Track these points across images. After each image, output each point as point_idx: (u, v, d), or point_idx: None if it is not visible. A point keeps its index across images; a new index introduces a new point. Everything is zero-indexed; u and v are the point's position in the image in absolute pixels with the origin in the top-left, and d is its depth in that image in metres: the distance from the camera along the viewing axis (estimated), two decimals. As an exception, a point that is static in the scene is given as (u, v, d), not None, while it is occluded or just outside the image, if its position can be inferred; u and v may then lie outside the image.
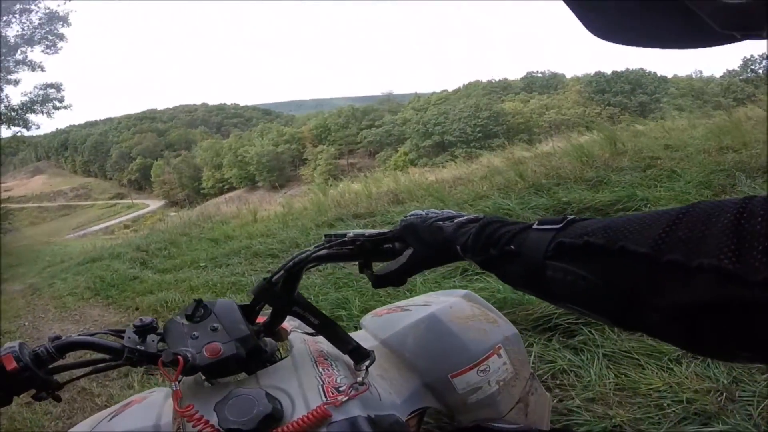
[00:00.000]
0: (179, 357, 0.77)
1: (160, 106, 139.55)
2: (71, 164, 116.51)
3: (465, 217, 0.80)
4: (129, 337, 0.87)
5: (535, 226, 0.63)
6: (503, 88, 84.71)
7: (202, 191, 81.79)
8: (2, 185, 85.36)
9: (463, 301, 1.11)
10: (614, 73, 72.56)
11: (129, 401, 1.04)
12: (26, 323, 8.06)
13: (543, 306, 2.90)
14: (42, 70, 19.75)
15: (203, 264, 7.93)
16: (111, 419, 0.96)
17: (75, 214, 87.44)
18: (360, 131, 78.51)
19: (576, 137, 9.13)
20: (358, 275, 4.52)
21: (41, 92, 19.91)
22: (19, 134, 20.70)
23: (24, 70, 19.40)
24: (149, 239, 11.86)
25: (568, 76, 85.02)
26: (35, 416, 3.67)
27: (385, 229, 0.93)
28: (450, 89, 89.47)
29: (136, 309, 6.51)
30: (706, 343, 0.46)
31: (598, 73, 74.44)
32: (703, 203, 0.47)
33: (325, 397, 0.76)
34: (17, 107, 19.74)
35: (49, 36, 18.92)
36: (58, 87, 20.39)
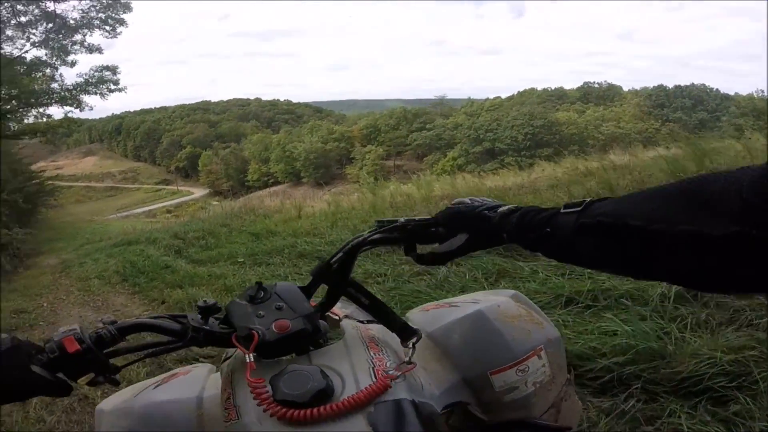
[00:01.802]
0: (254, 332, 0.82)
1: (215, 99, 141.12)
2: (123, 148, 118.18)
3: (506, 207, 0.89)
4: (193, 319, 0.90)
5: (562, 211, 0.75)
6: (558, 97, 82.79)
7: (246, 183, 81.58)
8: (54, 163, 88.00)
9: (511, 300, 1.10)
10: (676, 87, 70.41)
11: (173, 373, 1.06)
12: (45, 304, 7.76)
13: (690, 364, 2.44)
14: (100, 52, 19.83)
15: (241, 260, 7.30)
16: (155, 388, 0.99)
17: (121, 196, 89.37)
18: (410, 133, 77.37)
19: (642, 152, 9.43)
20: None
21: (96, 74, 20.01)
22: (70, 114, 20.77)
23: (81, 52, 19.51)
24: (188, 227, 11.53)
25: (625, 88, 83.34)
26: (26, 425, 3.35)
27: (428, 216, 0.99)
28: (504, 96, 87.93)
29: (162, 303, 6.11)
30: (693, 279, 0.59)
31: (658, 87, 72.44)
32: (702, 176, 0.57)
33: (375, 378, 0.79)
34: (71, 87, 19.89)
35: (109, 20, 18.99)
36: (114, 70, 20.47)
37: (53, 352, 0.76)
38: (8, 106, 19.63)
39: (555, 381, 1.01)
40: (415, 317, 1.11)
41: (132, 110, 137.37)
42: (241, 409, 0.78)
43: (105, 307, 6.81)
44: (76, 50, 19.32)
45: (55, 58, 19.14)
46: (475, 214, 0.92)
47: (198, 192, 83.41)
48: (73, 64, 19.63)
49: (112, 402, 0.99)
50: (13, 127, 20.95)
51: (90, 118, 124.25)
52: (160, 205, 71.58)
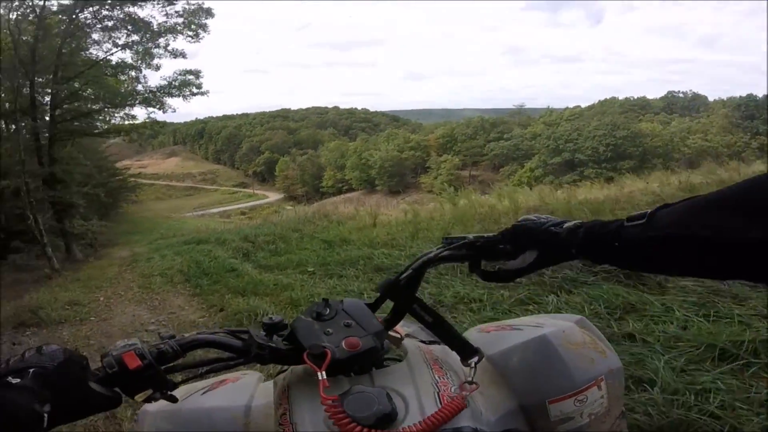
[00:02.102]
0: (327, 350, 0.80)
1: (294, 107, 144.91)
2: (204, 151, 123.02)
3: (572, 223, 0.89)
4: (257, 335, 0.89)
5: (626, 224, 0.77)
6: (641, 106, 79.51)
7: (320, 189, 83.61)
8: (138, 162, 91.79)
9: (576, 326, 1.05)
10: (768, 97, 64.15)
11: (222, 379, 1.05)
12: (102, 298, 7.66)
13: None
14: (183, 57, 20.09)
15: (311, 269, 6.75)
16: (203, 394, 0.98)
17: (199, 196, 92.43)
18: (487, 143, 76.22)
19: (741, 166, 9.16)
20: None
21: (180, 77, 20.23)
22: (153, 114, 21.14)
23: (166, 56, 19.82)
24: (259, 230, 11.31)
25: (710, 98, 79.67)
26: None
27: (494, 233, 0.99)
28: (584, 105, 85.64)
29: (221, 310, 5.78)
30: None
31: (748, 96, 67.00)
32: (760, 179, 0.62)
33: (440, 403, 0.78)
34: (155, 89, 20.26)
35: (192, 25, 19.18)
36: (196, 74, 20.61)
37: (112, 367, 0.73)
38: (95, 106, 20.28)
39: (610, 414, 0.95)
40: (473, 338, 1.04)
41: (215, 116, 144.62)
42: (299, 426, 0.77)
43: (161, 307, 6.50)
44: (160, 54, 19.64)
45: (139, 62, 19.57)
46: (543, 230, 0.91)
47: (273, 196, 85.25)
48: (157, 67, 20.01)
49: (157, 404, 0.91)
50: (100, 126, 21.60)
51: (175, 121, 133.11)
52: (236, 206, 73.84)
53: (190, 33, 19.24)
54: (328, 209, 13.42)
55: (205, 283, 7.17)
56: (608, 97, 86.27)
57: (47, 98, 18.08)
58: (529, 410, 0.91)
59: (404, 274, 0.97)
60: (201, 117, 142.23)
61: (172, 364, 0.81)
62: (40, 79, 17.19)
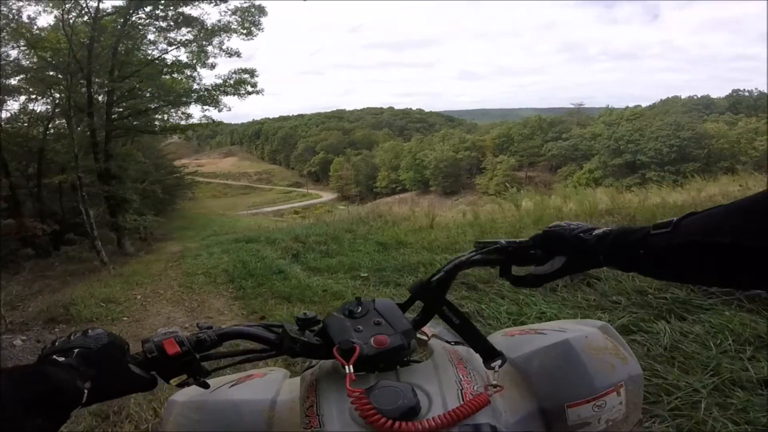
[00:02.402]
0: (356, 345, 0.83)
1: (349, 107, 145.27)
2: (260, 151, 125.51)
3: (601, 230, 0.92)
4: (290, 329, 0.91)
5: (652, 232, 0.78)
6: (705, 106, 75.81)
7: (374, 189, 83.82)
8: (196, 161, 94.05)
9: (599, 332, 1.06)
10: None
11: (249, 374, 1.09)
12: (139, 296, 7.48)
13: None
14: (238, 56, 20.19)
15: (364, 274, 6.21)
16: (231, 387, 1.01)
17: (254, 195, 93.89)
18: (545, 143, 74.38)
19: None
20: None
21: (235, 76, 20.28)
22: (208, 113, 21.28)
23: (221, 55, 19.88)
24: (311, 229, 10.93)
25: None
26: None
27: (526, 239, 1.01)
28: (644, 105, 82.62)
29: (262, 318, 5.42)
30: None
31: None
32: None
33: (463, 400, 0.78)
34: (210, 87, 20.32)
35: (245, 23, 19.25)
36: (251, 72, 20.55)
37: (151, 352, 0.78)
38: (151, 105, 20.46)
39: (627, 420, 0.97)
40: (497, 341, 1.03)
41: (271, 117, 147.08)
42: (325, 417, 0.78)
43: (199, 309, 6.23)
44: (215, 54, 19.72)
45: (194, 60, 19.71)
46: (573, 236, 0.93)
47: (326, 196, 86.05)
48: (212, 66, 20.06)
49: (185, 394, 0.99)
50: (157, 124, 21.72)
51: (232, 122, 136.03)
52: (289, 205, 74.73)
53: (244, 31, 19.25)
54: (382, 209, 13.12)
55: (249, 285, 6.77)
56: (670, 96, 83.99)
57: (103, 97, 18.43)
58: (548, 413, 0.91)
59: (436, 276, 0.98)
60: (258, 118, 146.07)
61: (208, 352, 0.85)
62: (97, 78, 17.48)
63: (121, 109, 19.55)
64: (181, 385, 0.83)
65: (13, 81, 17.93)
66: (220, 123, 23.02)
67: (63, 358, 0.70)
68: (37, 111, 19.02)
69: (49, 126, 19.15)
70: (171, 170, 38.29)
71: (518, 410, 0.90)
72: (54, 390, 0.65)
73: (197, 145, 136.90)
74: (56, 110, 17.44)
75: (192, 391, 0.98)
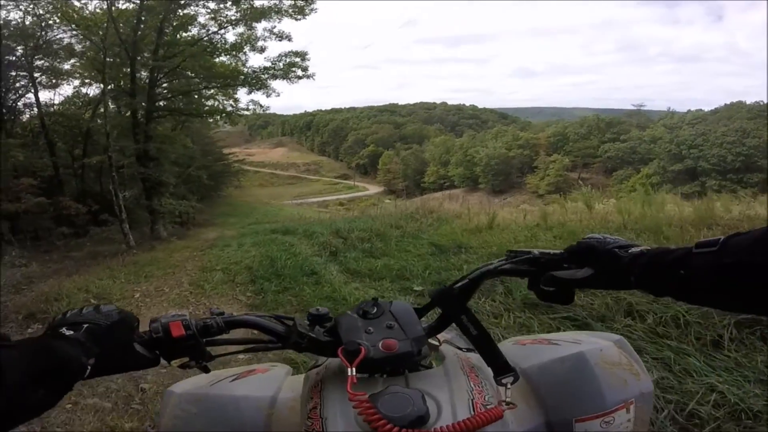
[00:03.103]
0: (362, 347, 0.82)
1: (402, 102, 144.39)
2: (310, 143, 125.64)
3: (638, 249, 0.84)
4: (300, 324, 0.92)
5: (695, 250, 0.70)
6: (772, 112, 71.27)
7: (421, 185, 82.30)
8: (246, 150, 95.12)
9: (614, 346, 1.03)
10: None
11: (251, 369, 1.07)
12: (138, 294, 6.68)
13: None
14: (289, 40, 19.06)
15: (418, 287, 4.98)
16: (232, 381, 0.99)
17: (300, 185, 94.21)
18: (601, 144, 72.11)
19: None
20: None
21: (285, 59, 19.29)
22: (255, 97, 20.46)
23: (271, 39, 18.84)
24: (354, 223, 9.79)
25: None
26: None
27: (560, 250, 0.95)
28: (705, 108, 79.15)
29: None
30: None
31: None
32: None
33: (473, 410, 0.77)
34: (258, 70, 19.41)
35: (297, 3, 18.22)
36: (303, 56, 19.49)
37: (157, 332, 0.80)
38: (195, 86, 19.73)
39: None
40: (508, 349, 1.01)
41: (323, 109, 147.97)
42: (329, 421, 0.76)
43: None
44: (265, 37, 18.69)
45: (243, 42, 18.76)
46: (606, 250, 0.87)
47: (373, 189, 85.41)
48: (262, 50, 19.10)
49: (183, 386, 0.99)
50: (203, 107, 20.92)
51: (284, 113, 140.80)
52: (335, 197, 74.61)
53: (295, 11, 18.14)
54: (432, 205, 11.93)
55: (273, 288, 5.73)
56: (734, 101, 78.68)
57: (146, 75, 17.77)
58: (555, 427, 0.90)
59: (459, 283, 0.96)
60: (310, 110, 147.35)
61: (214, 338, 0.87)
62: (140, 58, 16.89)
63: (165, 90, 18.82)
64: (183, 367, 0.84)
65: (67, 66, 18.13)
66: (268, 109, 21.87)
67: (71, 332, 0.72)
68: (90, 95, 19.41)
69: (98, 108, 18.57)
70: (219, 157, 38.04)
71: (526, 422, 0.88)
72: (59, 365, 0.67)
73: (249, 134, 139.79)
74: (106, 93, 16.97)
75: (191, 383, 0.99)
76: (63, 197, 17.56)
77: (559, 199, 10.81)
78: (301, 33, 18.81)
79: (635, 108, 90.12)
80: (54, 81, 19.64)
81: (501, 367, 0.88)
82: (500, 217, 8.94)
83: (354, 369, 0.78)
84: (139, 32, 16.10)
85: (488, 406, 0.78)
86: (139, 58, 16.72)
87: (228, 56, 19.20)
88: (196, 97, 20.19)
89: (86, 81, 19.44)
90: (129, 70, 16.55)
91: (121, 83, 17.09)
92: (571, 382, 0.92)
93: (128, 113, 17.60)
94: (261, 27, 18.26)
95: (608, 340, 1.04)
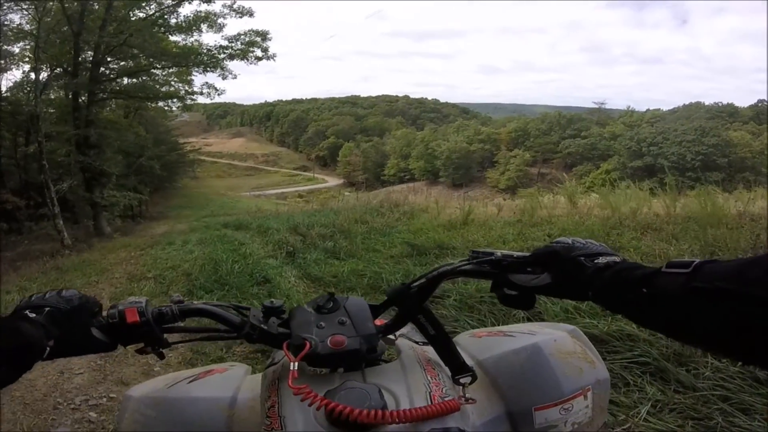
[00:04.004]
0: (307, 342, 0.81)
1: (365, 94, 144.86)
2: (269, 133, 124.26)
3: (605, 260, 0.79)
4: (254, 315, 0.91)
5: (664, 270, 0.65)
6: (729, 114, 72.17)
7: (382, 177, 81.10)
8: (204, 140, 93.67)
9: (568, 336, 1.05)
10: None
11: (209, 369, 1.06)
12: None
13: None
14: (250, 16, 17.83)
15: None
16: (190, 382, 0.99)
17: (259, 176, 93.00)
18: (562, 140, 72.74)
19: None
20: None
21: (243, 37, 18.06)
22: (208, 82, 19.50)
23: (231, 16, 17.53)
24: (314, 218, 8.89)
25: None
26: None
27: (527, 253, 0.92)
28: (664, 109, 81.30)
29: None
30: None
31: None
32: None
33: (431, 402, 0.76)
34: (214, 49, 17.98)
35: None
36: (264, 35, 18.33)
37: (114, 318, 0.81)
38: (147, 66, 17.86)
39: (593, 423, 0.96)
40: (464, 342, 1.07)
41: (284, 99, 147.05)
42: (287, 420, 0.75)
43: (106, 359, 4.00)
44: (224, 14, 17.30)
45: (201, 20, 17.20)
46: (570, 258, 0.82)
47: (333, 181, 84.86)
48: (220, 27, 17.61)
49: (141, 390, 0.99)
50: (152, 91, 19.12)
51: (245, 103, 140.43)
52: (294, 189, 73.66)
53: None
54: (396, 198, 11.23)
55: (212, 300, 4.56)
56: (693, 102, 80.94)
57: (90, 53, 16.14)
58: (515, 416, 0.90)
59: (416, 282, 0.94)
60: (270, 100, 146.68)
61: (170, 325, 0.86)
62: (85, 36, 15.27)
63: (109, 71, 17.21)
64: (139, 352, 0.84)
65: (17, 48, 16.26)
66: (224, 93, 20.57)
67: (34, 315, 0.74)
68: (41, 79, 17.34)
69: (44, 92, 16.70)
70: (173, 147, 36.66)
71: (486, 413, 0.88)
72: (21, 344, 0.69)
73: (207, 124, 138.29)
74: (38, 71, 15.30)
75: (149, 386, 1.00)
76: (2, 190, 16.05)
77: (534, 193, 10.09)
78: (263, 21, 17.61)
79: (596, 106, 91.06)
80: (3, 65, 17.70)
81: (459, 367, 0.89)
82: (484, 213, 8.31)
83: (296, 364, 0.76)
84: (86, 7, 14.70)
85: (446, 398, 0.76)
86: (84, 36, 15.15)
87: (183, 34, 17.72)
88: (145, 78, 18.52)
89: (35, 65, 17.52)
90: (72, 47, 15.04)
91: (65, 64, 15.55)
92: (527, 372, 0.93)
93: (69, 95, 16.07)
94: (220, 3, 17.22)
95: (562, 331, 1.06)
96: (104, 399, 3.36)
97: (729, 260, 0.58)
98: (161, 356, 0.89)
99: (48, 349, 0.72)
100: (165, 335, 0.86)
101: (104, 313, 0.82)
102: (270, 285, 5.00)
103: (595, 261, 0.79)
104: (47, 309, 0.76)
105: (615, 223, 5.88)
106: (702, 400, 2.25)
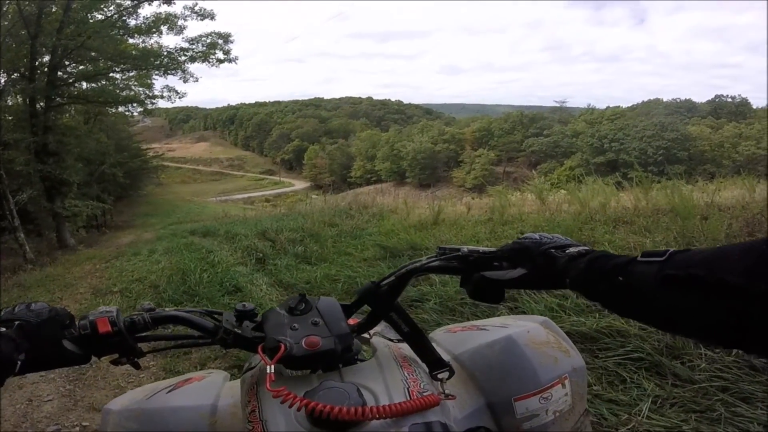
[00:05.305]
0: (282, 344, 0.80)
1: (328, 96, 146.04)
2: (234, 137, 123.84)
3: (576, 249, 0.81)
4: (227, 320, 0.91)
5: (639, 259, 0.66)
6: (687, 109, 75.17)
7: (348, 179, 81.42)
8: (167, 146, 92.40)
9: (540, 327, 1.06)
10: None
11: (187, 378, 1.05)
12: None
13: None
14: (212, 19, 17.49)
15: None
16: (168, 392, 0.98)
17: (225, 181, 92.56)
18: (525, 139, 73.77)
19: None
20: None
21: (205, 39, 17.69)
22: (168, 85, 18.49)
23: (192, 18, 17.16)
24: (283, 222, 8.71)
25: (754, 105, 73.98)
26: None
27: (494, 248, 0.93)
28: (624, 106, 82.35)
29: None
30: None
31: None
32: None
33: (410, 397, 0.77)
34: (174, 51, 17.56)
35: None
36: (226, 37, 18.00)
37: (85, 329, 0.79)
38: (101, 66, 17.34)
39: (574, 411, 0.97)
40: (440, 338, 1.07)
41: (247, 102, 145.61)
42: (269, 423, 0.74)
43: (71, 386, 3.87)
44: (185, 15, 16.92)
45: (161, 22, 16.77)
46: (541, 251, 0.84)
47: (299, 184, 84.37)
48: (181, 29, 17.23)
49: (120, 402, 0.97)
50: (112, 95, 18.39)
51: (207, 107, 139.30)
52: (261, 193, 73.48)
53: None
54: (365, 200, 11.19)
55: None
56: (652, 98, 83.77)
57: (47, 58, 15.64)
58: (496, 408, 0.91)
59: (386, 281, 0.94)
60: (233, 103, 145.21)
61: (143, 334, 0.85)
62: (44, 39, 14.83)
63: (67, 75, 16.72)
64: (114, 363, 0.83)
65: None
66: (185, 96, 19.94)
67: (4, 329, 0.72)
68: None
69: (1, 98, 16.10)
70: (136, 153, 36.05)
71: (466, 406, 0.89)
72: None
73: (170, 129, 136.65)
74: (9, 81, 15.01)
75: (128, 398, 0.98)
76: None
77: (502, 190, 10.13)
78: (223, 23, 17.30)
79: (558, 104, 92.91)
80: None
81: (435, 363, 0.88)
82: (454, 212, 8.36)
83: (272, 367, 0.76)
84: (44, 8, 14.20)
85: (425, 393, 0.77)
86: (42, 38, 14.68)
87: (142, 36, 17.18)
88: (104, 83, 17.99)
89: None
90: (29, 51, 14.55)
91: (22, 69, 15.01)
92: (503, 363, 0.94)
93: (26, 101, 15.47)
94: (181, 5, 16.65)
95: (534, 322, 1.07)
96: (77, 428, 3.22)
97: (702, 249, 0.59)
98: (136, 366, 0.86)
99: (19, 363, 0.70)
100: (139, 344, 0.84)
101: (76, 325, 0.79)
102: (241, 294, 4.92)
103: (567, 251, 0.81)
104: (17, 323, 0.73)
105: (586, 218, 5.86)
106: (701, 393, 2.24)
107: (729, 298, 0.51)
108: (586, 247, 0.81)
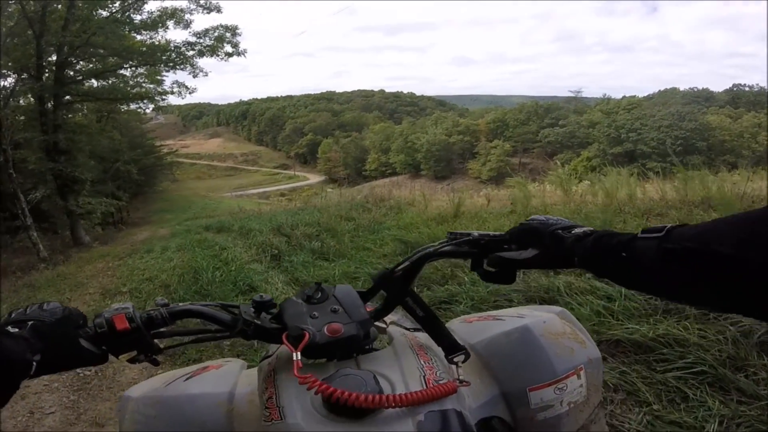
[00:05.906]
0: (306, 332, 0.80)
1: (339, 90, 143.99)
2: (247, 132, 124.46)
3: (581, 230, 0.84)
4: (246, 311, 0.90)
5: (640, 235, 0.69)
6: (705, 98, 73.98)
7: (363, 172, 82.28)
8: (181, 142, 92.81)
9: (557, 317, 1.07)
10: None
11: (205, 366, 1.05)
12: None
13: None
14: (218, 12, 17.24)
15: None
16: (186, 380, 0.98)
17: (239, 176, 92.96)
18: (540, 129, 73.31)
19: None
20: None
21: (212, 33, 17.43)
22: (178, 81, 18.66)
23: (198, 12, 16.98)
24: (298, 217, 8.44)
25: None
26: None
27: (502, 232, 0.95)
28: (640, 95, 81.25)
29: None
30: None
31: None
32: None
33: (426, 386, 0.77)
34: (181, 46, 17.32)
35: None
36: (233, 30, 17.64)
37: (102, 327, 0.77)
38: (110, 62, 17.19)
39: (588, 402, 0.97)
40: (457, 328, 1.06)
41: (259, 97, 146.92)
42: (286, 409, 0.75)
43: (70, 398, 3.66)
44: (191, 9, 16.73)
45: (167, 17, 16.64)
46: (549, 232, 0.86)
47: (314, 178, 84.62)
48: (187, 24, 17.01)
49: (140, 389, 0.98)
50: (122, 92, 18.37)
51: (219, 103, 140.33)
52: (275, 188, 73.69)
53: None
54: (381, 192, 10.97)
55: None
56: (669, 88, 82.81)
57: (54, 56, 15.51)
58: (510, 397, 0.92)
59: (401, 266, 0.95)
60: (245, 99, 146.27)
61: (160, 330, 0.83)
62: (50, 38, 14.67)
63: (74, 73, 16.57)
64: (132, 361, 0.81)
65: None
66: (195, 91, 19.71)
67: (16, 330, 0.70)
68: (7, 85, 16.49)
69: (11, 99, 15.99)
70: (149, 150, 36.25)
71: (481, 395, 0.90)
72: (3, 361, 0.65)
73: (183, 125, 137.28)
74: (18, 80, 14.89)
75: (147, 385, 0.98)
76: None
77: (522, 181, 9.83)
78: (231, 19, 17.18)
79: (572, 94, 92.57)
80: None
81: (451, 346, 0.89)
82: (466, 205, 7.99)
83: (299, 354, 0.76)
84: (48, 7, 14.00)
85: (441, 381, 0.76)
86: (47, 37, 14.48)
87: (149, 32, 17.01)
88: (114, 80, 17.90)
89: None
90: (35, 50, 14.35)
91: (30, 68, 14.83)
92: (519, 353, 0.94)
93: (35, 99, 15.34)
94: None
95: (551, 313, 1.07)
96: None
97: (698, 224, 0.61)
98: (155, 363, 0.84)
99: (34, 364, 0.67)
100: (156, 340, 0.82)
101: (91, 323, 0.77)
102: (255, 293, 4.56)
103: (573, 231, 0.83)
104: (30, 323, 0.71)
105: (615, 210, 5.56)
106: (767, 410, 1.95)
107: (723, 268, 0.54)
108: (591, 228, 0.83)
